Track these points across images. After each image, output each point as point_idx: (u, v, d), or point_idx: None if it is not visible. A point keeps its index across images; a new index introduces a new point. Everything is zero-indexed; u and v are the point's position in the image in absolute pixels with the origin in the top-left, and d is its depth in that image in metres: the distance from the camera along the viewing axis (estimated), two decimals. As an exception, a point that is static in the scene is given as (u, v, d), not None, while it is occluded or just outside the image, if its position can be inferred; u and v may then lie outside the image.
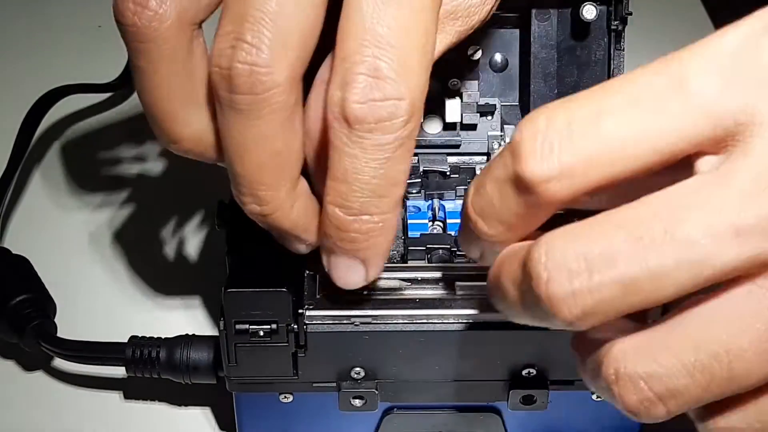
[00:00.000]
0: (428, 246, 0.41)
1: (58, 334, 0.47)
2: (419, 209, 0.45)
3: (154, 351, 0.44)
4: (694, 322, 0.28)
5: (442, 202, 0.45)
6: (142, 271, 0.54)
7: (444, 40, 0.37)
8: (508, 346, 0.39)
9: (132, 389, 0.48)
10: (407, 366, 0.40)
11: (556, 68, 0.46)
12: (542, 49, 0.46)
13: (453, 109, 0.46)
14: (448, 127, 0.46)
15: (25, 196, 0.58)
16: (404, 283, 0.39)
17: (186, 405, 0.47)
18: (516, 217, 0.30)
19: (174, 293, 0.52)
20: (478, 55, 0.46)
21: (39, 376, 0.49)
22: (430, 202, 0.45)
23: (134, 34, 0.34)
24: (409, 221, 0.43)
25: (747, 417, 0.29)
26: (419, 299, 0.39)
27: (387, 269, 0.39)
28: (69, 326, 0.48)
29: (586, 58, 0.46)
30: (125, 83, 0.64)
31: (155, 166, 0.59)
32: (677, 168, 0.29)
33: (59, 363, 0.48)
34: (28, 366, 0.49)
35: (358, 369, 0.40)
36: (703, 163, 0.28)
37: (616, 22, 0.45)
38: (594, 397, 0.41)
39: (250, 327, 0.38)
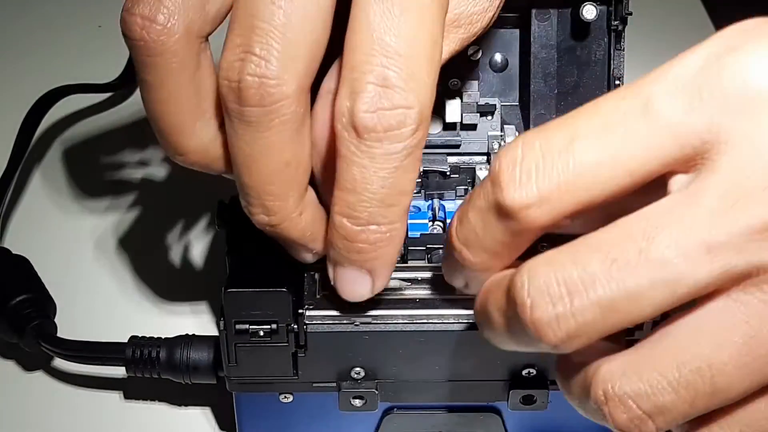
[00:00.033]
0: (428, 246, 0.41)
1: (58, 334, 0.47)
2: (419, 209, 0.45)
3: (154, 351, 0.44)
4: (674, 338, 0.29)
5: (442, 202, 0.45)
6: (142, 271, 0.54)
7: (447, 48, 0.37)
8: (508, 346, 0.39)
9: (132, 389, 0.48)
10: (407, 366, 0.40)
11: (556, 68, 0.46)
12: (542, 49, 0.46)
13: (453, 109, 0.46)
14: (448, 127, 0.46)
15: (25, 196, 0.58)
16: (404, 283, 0.39)
17: (186, 405, 0.47)
18: (499, 244, 0.31)
19: (174, 293, 0.52)
20: (478, 55, 0.46)
21: (39, 376, 0.49)
22: (430, 202, 0.45)
23: (142, 49, 0.34)
24: (409, 221, 0.43)
25: (732, 428, 0.30)
26: (419, 299, 0.39)
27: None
28: (69, 326, 0.48)
29: (586, 58, 0.46)
30: (125, 83, 0.64)
31: (155, 166, 0.59)
32: (654, 186, 0.29)
33: (59, 363, 0.49)
34: (28, 366, 0.49)
35: (358, 369, 0.40)
36: (674, 183, 0.29)
37: (616, 22, 0.45)
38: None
39: (250, 327, 0.38)
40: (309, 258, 0.38)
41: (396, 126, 0.33)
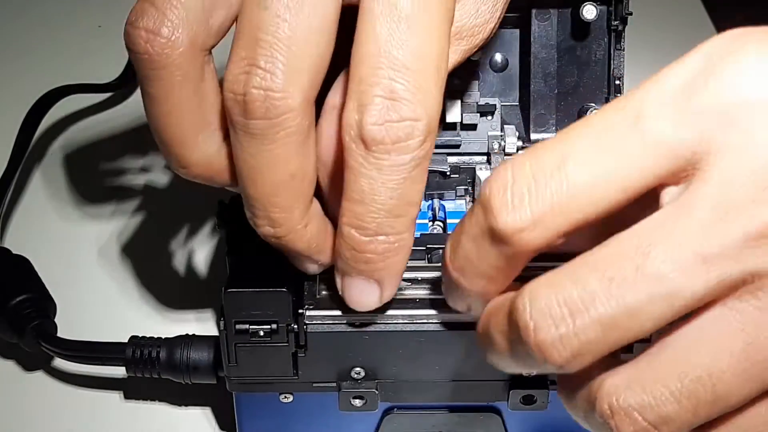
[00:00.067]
0: (428, 246, 0.41)
1: (58, 334, 0.47)
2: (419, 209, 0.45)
3: (154, 351, 0.44)
4: (674, 349, 0.29)
5: (442, 202, 0.45)
6: (142, 270, 0.54)
7: (450, 59, 0.37)
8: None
9: (132, 389, 0.48)
10: (407, 366, 0.40)
11: (556, 68, 0.46)
12: (542, 49, 0.46)
13: (453, 109, 0.46)
14: (448, 127, 0.46)
15: (25, 196, 0.58)
16: (404, 283, 0.39)
17: (186, 405, 0.47)
18: (495, 269, 0.31)
19: (174, 293, 0.52)
20: (479, 55, 0.46)
21: (39, 376, 0.49)
22: (430, 202, 0.45)
23: (146, 62, 0.34)
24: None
25: None
26: (419, 299, 0.39)
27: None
28: (69, 326, 0.48)
29: (586, 58, 0.46)
30: (125, 83, 0.64)
31: (155, 166, 0.59)
32: (648, 198, 0.29)
33: (59, 363, 0.49)
34: (28, 366, 0.49)
35: (358, 369, 0.40)
36: (665, 195, 0.29)
37: (616, 22, 0.45)
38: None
39: (250, 327, 0.38)
40: (314, 269, 0.38)
41: (404, 138, 0.33)
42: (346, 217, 0.34)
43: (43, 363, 0.49)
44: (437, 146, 0.46)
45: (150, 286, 0.53)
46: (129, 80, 0.64)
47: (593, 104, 0.46)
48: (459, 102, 0.46)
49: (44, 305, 0.48)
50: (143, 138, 0.60)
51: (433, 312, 0.39)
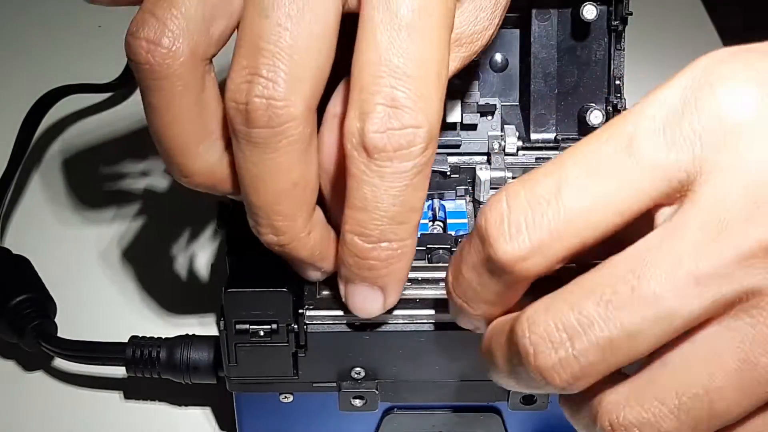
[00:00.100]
0: (428, 246, 0.41)
1: (58, 334, 0.47)
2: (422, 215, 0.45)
3: (154, 351, 0.44)
4: (672, 367, 0.29)
5: (442, 202, 0.45)
6: (142, 270, 0.54)
7: (450, 67, 0.37)
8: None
9: (132, 389, 0.48)
10: (407, 366, 0.40)
11: (556, 68, 0.46)
12: (542, 49, 0.46)
13: (453, 109, 0.46)
14: (448, 127, 0.46)
15: (25, 196, 0.58)
16: (404, 284, 0.39)
17: (186, 405, 0.47)
18: (497, 295, 0.32)
19: (175, 292, 0.52)
20: (479, 56, 0.46)
21: (39, 376, 0.49)
22: (430, 202, 0.45)
23: (148, 72, 0.34)
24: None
25: None
26: (419, 299, 0.39)
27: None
28: (69, 326, 0.48)
29: (586, 58, 0.46)
30: (125, 83, 0.64)
31: (155, 166, 0.59)
32: (645, 218, 0.30)
33: (59, 363, 0.49)
34: (28, 366, 0.49)
35: (358, 369, 0.40)
36: (660, 216, 0.30)
37: (616, 22, 0.45)
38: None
39: (251, 327, 0.38)
40: (317, 276, 0.38)
41: (406, 145, 0.33)
42: (349, 224, 0.35)
43: (43, 363, 0.49)
44: (437, 146, 0.46)
45: (150, 286, 0.53)
46: (129, 80, 0.64)
47: (593, 104, 0.46)
48: (459, 102, 0.46)
49: (44, 305, 0.48)
50: (143, 138, 0.60)
51: (433, 312, 0.39)
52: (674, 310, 0.28)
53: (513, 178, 0.45)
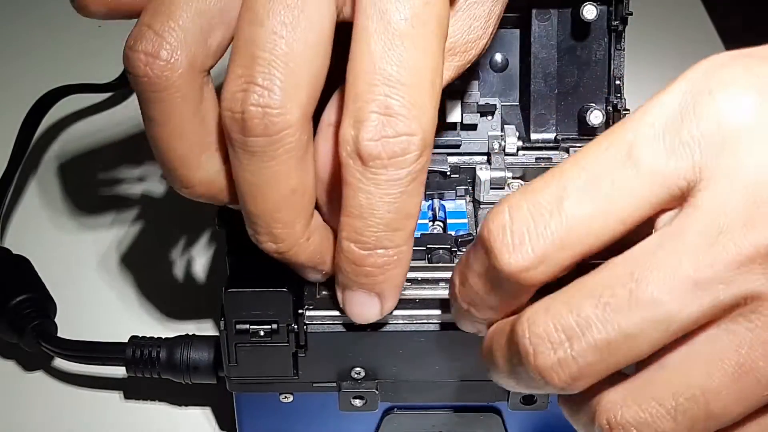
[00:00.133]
0: (428, 246, 0.41)
1: (58, 334, 0.47)
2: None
3: (154, 351, 0.44)
4: (669, 368, 0.30)
5: (442, 202, 0.45)
6: (142, 270, 0.54)
7: (444, 76, 0.37)
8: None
9: (132, 389, 0.48)
10: (407, 366, 0.40)
11: (556, 68, 0.46)
12: (542, 49, 0.46)
13: (453, 109, 0.46)
14: (448, 127, 0.46)
15: (25, 196, 0.58)
16: (404, 284, 0.39)
17: (186, 405, 0.47)
18: (503, 302, 0.32)
19: (174, 293, 0.52)
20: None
21: (39, 376, 0.49)
22: (430, 202, 0.45)
23: (147, 85, 0.34)
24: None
25: None
26: (419, 299, 0.39)
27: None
28: (69, 326, 0.48)
29: (586, 58, 0.46)
30: (125, 83, 0.64)
31: (155, 166, 0.59)
32: (646, 223, 0.30)
33: (59, 363, 0.49)
34: (28, 366, 0.49)
35: (358, 369, 0.40)
36: (660, 221, 0.30)
37: (616, 22, 0.45)
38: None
39: (251, 327, 0.38)
40: (318, 278, 0.38)
41: (400, 153, 0.33)
42: (345, 231, 0.35)
43: (43, 363, 0.49)
44: (437, 146, 0.46)
45: (150, 286, 0.53)
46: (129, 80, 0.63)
47: (593, 104, 0.46)
48: (459, 102, 0.46)
49: (44, 305, 0.48)
50: (143, 139, 0.60)
51: (433, 312, 0.39)
52: (672, 313, 0.29)
53: (513, 178, 0.45)
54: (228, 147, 0.35)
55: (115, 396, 0.48)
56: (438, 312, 0.39)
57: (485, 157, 0.46)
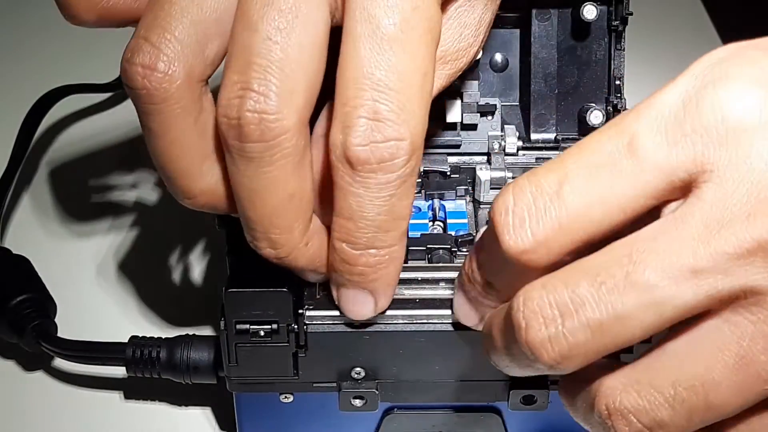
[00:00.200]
0: (428, 246, 0.41)
1: (58, 334, 0.47)
2: (419, 209, 0.45)
3: (155, 351, 0.44)
4: (669, 357, 0.30)
5: (443, 202, 0.45)
6: (142, 270, 0.54)
7: (435, 84, 0.37)
8: (509, 346, 0.39)
9: (132, 389, 0.48)
10: (407, 366, 0.40)
11: (557, 68, 0.46)
12: (542, 49, 0.46)
13: (453, 109, 0.46)
14: (448, 127, 0.46)
15: (25, 196, 0.58)
16: (404, 284, 0.39)
17: (186, 405, 0.47)
18: (509, 284, 0.32)
19: (175, 293, 0.52)
20: (479, 55, 0.46)
21: (39, 376, 0.49)
22: (430, 202, 0.45)
23: (145, 97, 0.34)
24: (410, 221, 0.43)
25: None
26: (419, 299, 0.39)
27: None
28: (69, 326, 0.48)
29: (586, 58, 0.46)
30: (125, 83, 0.64)
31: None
32: (650, 213, 0.30)
33: (59, 363, 0.49)
34: (28, 366, 0.49)
35: (358, 369, 0.40)
36: (665, 210, 0.30)
37: (616, 22, 0.45)
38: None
39: (251, 327, 0.38)
40: (317, 279, 0.38)
41: (389, 158, 0.33)
42: (338, 232, 0.35)
43: (43, 363, 0.49)
44: (437, 146, 0.46)
45: (151, 286, 0.53)
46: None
47: (593, 104, 0.46)
48: (459, 102, 0.46)
49: (44, 305, 0.48)
50: (143, 139, 0.60)
51: (433, 312, 0.39)
52: (666, 299, 0.29)
53: (513, 178, 0.45)
54: (225, 153, 0.35)
55: (115, 396, 0.48)
56: (438, 312, 0.38)
57: (485, 157, 0.46)
